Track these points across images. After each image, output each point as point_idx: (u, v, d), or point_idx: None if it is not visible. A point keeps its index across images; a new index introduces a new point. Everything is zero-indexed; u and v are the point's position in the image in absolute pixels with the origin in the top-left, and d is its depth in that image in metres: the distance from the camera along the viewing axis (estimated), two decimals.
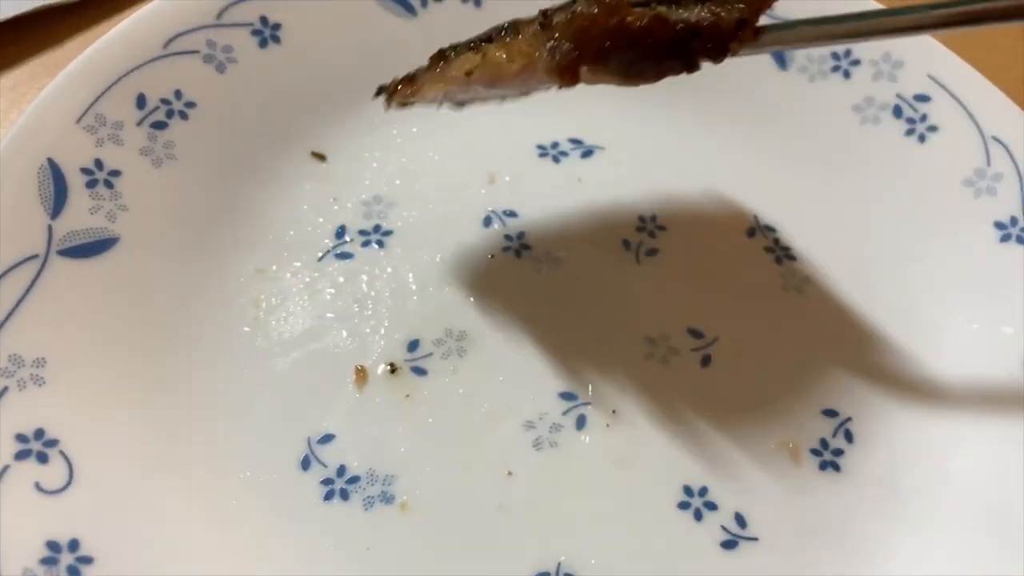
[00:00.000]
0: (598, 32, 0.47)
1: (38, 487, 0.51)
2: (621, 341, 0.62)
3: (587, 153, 0.71)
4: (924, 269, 0.65)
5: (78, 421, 0.54)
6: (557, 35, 0.48)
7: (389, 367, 0.60)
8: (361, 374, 0.60)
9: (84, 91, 0.62)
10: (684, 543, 0.55)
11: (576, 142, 0.71)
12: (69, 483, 0.52)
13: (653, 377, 0.61)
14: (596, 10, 0.47)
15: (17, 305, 0.55)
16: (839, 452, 0.59)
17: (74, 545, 0.50)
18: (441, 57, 0.54)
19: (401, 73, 0.56)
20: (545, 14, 0.50)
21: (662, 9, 0.48)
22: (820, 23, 0.50)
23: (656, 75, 0.50)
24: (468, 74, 0.51)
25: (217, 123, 0.66)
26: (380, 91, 0.57)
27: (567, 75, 0.49)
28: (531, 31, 0.50)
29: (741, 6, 0.48)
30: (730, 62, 0.72)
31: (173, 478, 0.55)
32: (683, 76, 0.72)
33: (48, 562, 0.49)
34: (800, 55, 0.72)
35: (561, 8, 0.50)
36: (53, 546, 0.49)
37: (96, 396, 0.55)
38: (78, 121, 0.61)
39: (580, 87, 0.73)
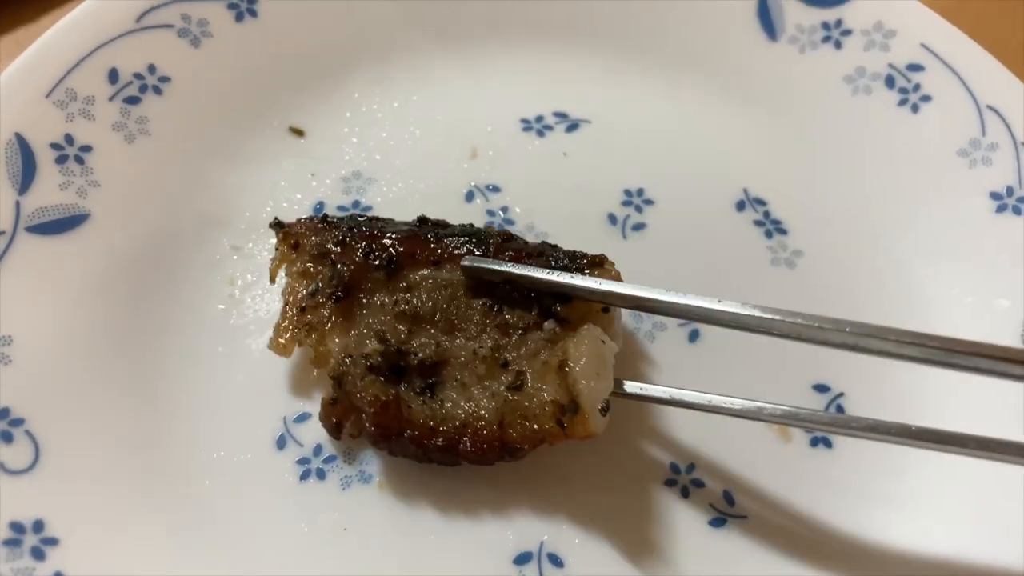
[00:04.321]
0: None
1: (2, 467, 0.50)
2: None
3: (572, 127, 0.69)
4: (918, 242, 0.64)
5: (45, 400, 0.52)
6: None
7: None
8: None
9: (53, 65, 0.60)
10: (671, 521, 0.53)
11: (561, 116, 0.69)
12: (35, 463, 0.50)
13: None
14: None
15: None
16: None
17: (39, 526, 0.48)
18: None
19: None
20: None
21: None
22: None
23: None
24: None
25: (192, 98, 0.65)
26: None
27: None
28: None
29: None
30: (717, 32, 0.72)
31: (143, 458, 0.53)
32: (669, 49, 0.72)
33: (12, 544, 0.48)
34: (790, 24, 0.70)
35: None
36: (17, 527, 0.48)
37: (64, 375, 0.54)
38: (47, 96, 0.60)
39: (566, 58, 0.72)
